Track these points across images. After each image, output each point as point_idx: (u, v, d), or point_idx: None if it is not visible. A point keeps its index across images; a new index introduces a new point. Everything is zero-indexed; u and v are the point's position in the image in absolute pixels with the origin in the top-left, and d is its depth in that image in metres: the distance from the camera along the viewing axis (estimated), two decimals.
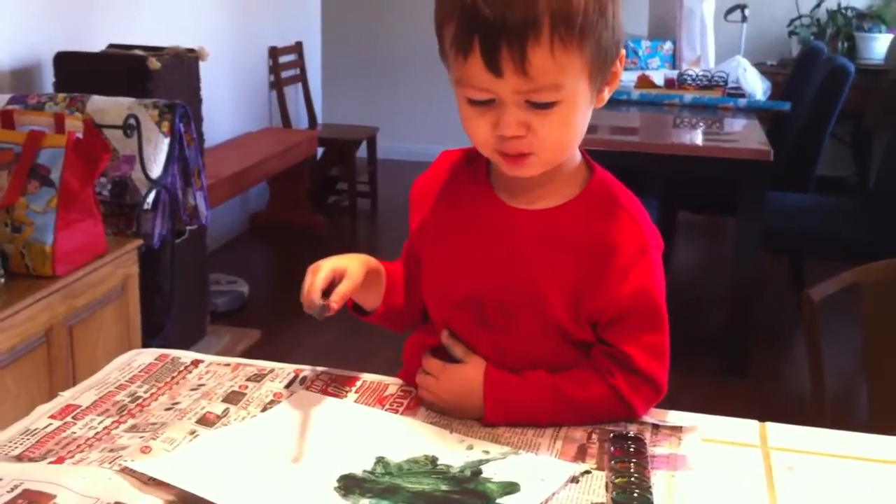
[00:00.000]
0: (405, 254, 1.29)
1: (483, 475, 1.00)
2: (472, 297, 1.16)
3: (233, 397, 1.16)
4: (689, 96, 4.15)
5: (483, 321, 1.17)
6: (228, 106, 4.61)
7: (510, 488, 0.97)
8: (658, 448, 1.08)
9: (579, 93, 1.06)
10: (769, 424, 1.15)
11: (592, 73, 1.06)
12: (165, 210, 2.69)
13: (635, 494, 0.96)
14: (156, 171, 2.64)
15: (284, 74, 5.18)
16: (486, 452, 1.05)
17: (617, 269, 1.12)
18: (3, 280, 2.08)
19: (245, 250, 4.76)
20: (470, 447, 1.06)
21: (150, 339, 2.58)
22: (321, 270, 1.13)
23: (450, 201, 1.21)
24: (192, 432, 1.07)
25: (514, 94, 1.03)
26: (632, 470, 1.01)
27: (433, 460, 1.03)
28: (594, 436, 1.10)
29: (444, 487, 0.97)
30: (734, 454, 1.09)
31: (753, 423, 1.16)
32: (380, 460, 1.02)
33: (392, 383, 1.23)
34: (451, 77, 1.08)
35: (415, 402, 1.18)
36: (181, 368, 1.25)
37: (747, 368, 3.42)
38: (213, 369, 1.25)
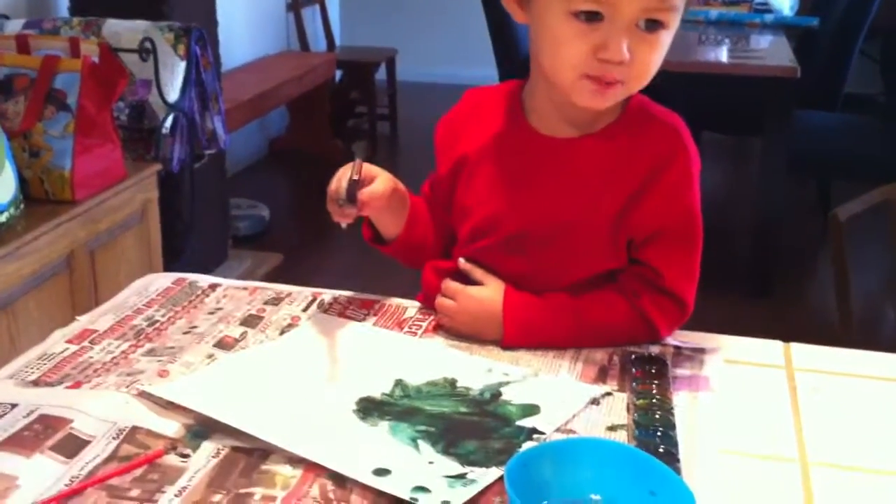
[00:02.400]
0: (427, 192, 1.27)
1: (503, 397, 0.99)
2: (517, 231, 1.15)
3: (251, 321, 1.16)
4: (714, 12, 4.06)
5: (517, 252, 1.15)
6: (245, 29, 4.56)
7: (530, 410, 0.96)
8: (680, 370, 1.07)
9: (676, 24, 1.06)
10: (793, 345, 1.14)
11: (682, 13, 1.06)
12: (184, 134, 2.66)
13: (657, 416, 0.95)
14: (173, 95, 2.61)
15: None
16: (506, 375, 1.04)
17: (663, 185, 1.11)
18: (22, 206, 2.07)
19: (265, 175, 4.75)
20: (489, 370, 1.05)
21: (171, 263, 2.59)
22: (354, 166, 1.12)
23: (485, 138, 1.19)
24: (210, 356, 1.07)
25: (640, 11, 1.01)
26: (654, 392, 1.00)
27: (452, 383, 1.02)
28: (615, 357, 1.09)
29: (463, 409, 0.97)
30: (758, 375, 1.07)
31: (777, 344, 1.14)
32: (398, 383, 1.01)
33: (411, 306, 1.22)
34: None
35: (434, 325, 1.17)
36: (199, 292, 1.25)
37: (772, 290, 3.40)
38: (230, 293, 1.24)
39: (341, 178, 1.12)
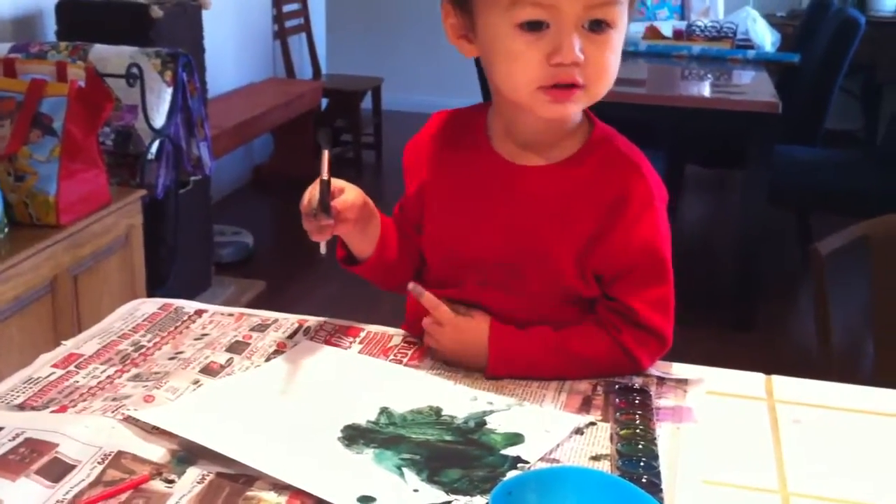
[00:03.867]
0: (397, 214, 1.28)
1: (487, 426, 0.99)
2: (479, 258, 1.16)
3: (236, 347, 1.16)
4: (697, 48, 4.10)
5: (488, 282, 1.16)
6: (232, 56, 4.57)
7: (514, 439, 0.97)
8: (663, 400, 1.07)
9: (624, 23, 1.06)
10: (775, 377, 1.15)
11: (630, 7, 1.06)
12: (169, 160, 2.67)
13: (640, 446, 0.96)
14: (159, 120, 2.62)
15: (288, 24, 5.13)
16: (491, 403, 1.04)
17: (623, 222, 1.11)
18: (6, 230, 2.07)
19: (249, 201, 4.75)
20: (474, 398, 1.06)
21: (155, 289, 2.58)
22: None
23: (449, 162, 1.19)
24: (196, 382, 1.07)
25: (582, 11, 1.02)
26: (637, 422, 1.00)
27: (437, 411, 1.02)
28: (599, 388, 1.10)
29: (448, 438, 0.97)
30: (740, 407, 1.08)
31: (759, 376, 1.15)
32: (384, 411, 1.02)
33: (396, 334, 1.22)
34: (488, 12, 1.05)
35: (419, 353, 1.17)
36: (185, 318, 1.25)
37: (754, 323, 3.42)
38: (216, 319, 1.25)
39: (312, 191, 1.11)
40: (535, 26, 1.03)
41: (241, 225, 4.08)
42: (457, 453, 0.94)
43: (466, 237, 1.17)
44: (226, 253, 3.79)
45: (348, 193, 1.14)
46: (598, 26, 1.04)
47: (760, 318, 3.45)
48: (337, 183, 1.14)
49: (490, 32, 1.07)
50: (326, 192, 1.10)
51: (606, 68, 1.06)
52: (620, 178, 1.12)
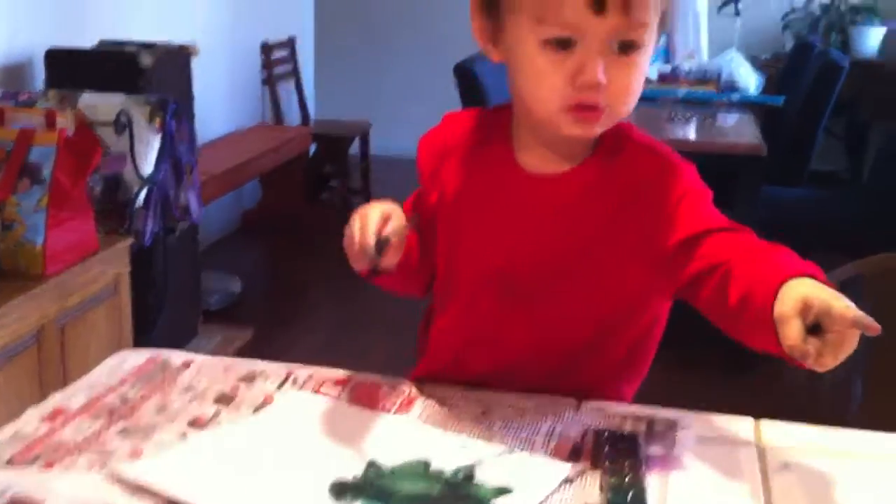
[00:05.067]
0: (410, 210, 1.25)
1: (476, 479, 0.99)
2: (503, 270, 1.15)
3: (224, 399, 1.15)
4: (682, 91, 4.14)
5: (513, 293, 1.15)
6: (221, 102, 4.59)
7: (503, 492, 0.96)
8: (653, 447, 1.07)
9: (653, 41, 1.06)
10: (764, 422, 1.15)
11: (657, 35, 1.07)
12: (157, 208, 2.67)
13: (630, 494, 0.95)
14: (147, 168, 2.63)
15: (277, 70, 5.16)
16: (480, 452, 1.04)
17: (666, 204, 1.12)
18: None
19: (238, 248, 4.74)
20: (463, 446, 1.05)
21: (142, 337, 2.57)
22: (372, 210, 1.08)
23: (470, 168, 1.19)
24: (184, 434, 1.06)
25: (609, 33, 1.01)
26: (626, 470, 1.00)
27: (426, 463, 1.01)
28: (588, 436, 1.09)
29: (436, 492, 0.96)
30: (729, 452, 1.08)
31: (748, 421, 1.15)
32: (371, 465, 1.01)
33: (384, 383, 1.21)
34: (516, 23, 1.05)
35: (408, 401, 1.17)
36: (172, 369, 1.24)
37: (746, 363, 3.41)
38: (204, 370, 1.24)
39: (365, 231, 1.06)
40: (562, 44, 1.02)
41: (230, 271, 4.07)
42: None
43: (488, 250, 1.16)
44: (213, 300, 3.77)
45: (394, 222, 1.09)
46: (627, 47, 1.04)
47: (752, 358, 3.44)
48: (385, 206, 1.10)
49: (516, 45, 1.07)
50: (385, 247, 1.07)
51: (629, 90, 1.06)
52: (638, 166, 1.14)
